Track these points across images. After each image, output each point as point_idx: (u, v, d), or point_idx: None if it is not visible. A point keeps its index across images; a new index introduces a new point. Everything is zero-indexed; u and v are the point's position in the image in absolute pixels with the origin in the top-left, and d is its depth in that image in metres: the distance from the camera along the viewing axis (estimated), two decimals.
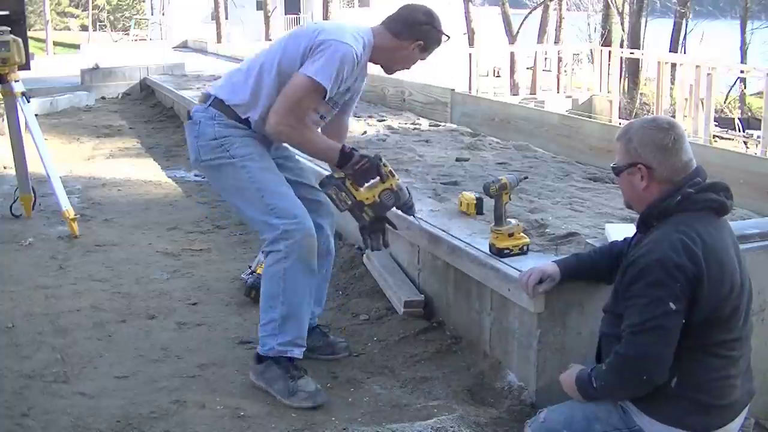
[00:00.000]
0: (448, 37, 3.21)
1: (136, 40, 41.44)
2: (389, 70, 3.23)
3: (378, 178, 3.01)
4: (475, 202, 3.68)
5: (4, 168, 6.52)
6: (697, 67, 12.36)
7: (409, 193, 3.11)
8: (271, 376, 2.96)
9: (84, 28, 49.04)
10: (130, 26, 48.36)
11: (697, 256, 2.16)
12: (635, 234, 2.42)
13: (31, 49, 5.88)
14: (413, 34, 3.09)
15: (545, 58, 19.28)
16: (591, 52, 17.76)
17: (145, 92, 11.53)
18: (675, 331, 2.16)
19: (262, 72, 2.99)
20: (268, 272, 2.99)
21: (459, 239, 3.33)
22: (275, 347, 2.95)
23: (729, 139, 13.95)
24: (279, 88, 2.94)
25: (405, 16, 3.11)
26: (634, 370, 2.20)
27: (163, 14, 42.45)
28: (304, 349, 3.02)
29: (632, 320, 2.19)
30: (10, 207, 5.35)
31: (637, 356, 2.18)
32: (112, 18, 52.24)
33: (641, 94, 21.79)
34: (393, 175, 3.03)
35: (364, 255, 4.07)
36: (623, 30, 25.52)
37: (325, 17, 28.02)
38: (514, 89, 18.82)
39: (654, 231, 2.28)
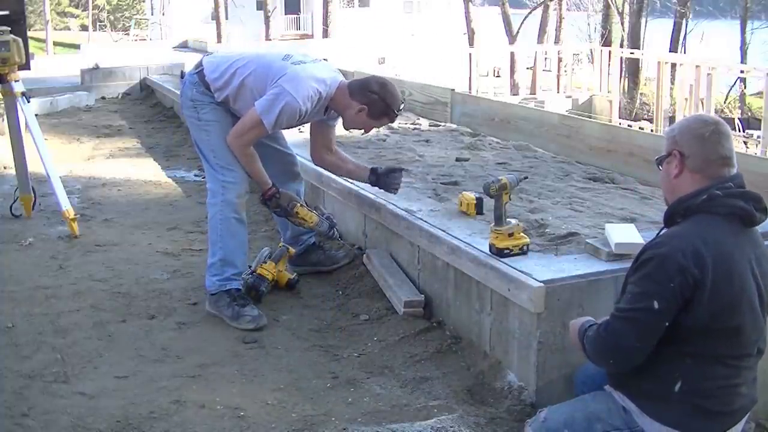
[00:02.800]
0: (397, 114, 3.73)
1: (136, 40, 41.45)
2: (344, 124, 3.80)
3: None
4: (475, 202, 3.68)
5: (4, 168, 6.51)
6: (697, 67, 12.36)
7: (330, 227, 3.85)
8: (221, 304, 3.65)
9: (84, 28, 49.05)
10: (130, 26, 48.38)
11: (705, 262, 2.11)
12: (662, 228, 2.37)
13: (31, 49, 5.87)
14: (362, 98, 3.62)
15: (545, 58, 19.30)
16: (591, 52, 17.78)
17: (145, 92, 11.51)
18: (652, 329, 2.15)
19: (234, 74, 3.67)
20: (210, 224, 3.75)
21: (459, 239, 3.33)
22: (217, 283, 3.67)
23: None
24: (238, 91, 3.65)
25: (363, 81, 3.70)
26: (603, 352, 2.26)
27: (163, 14, 42.47)
28: (240, 281, 3.73)
29: (620, 304, 2.23)
30: (10, 207, 5.34)
31: (609, 341, 2.22)
32: (112, 18, 52.26)
33: (641, 94, 21.84)
34: (308, 219, 3.78)
35: (365, 255, 4.07)
36: (623, 30, 25.55)
37: (325, 17, 28.07)
38: (514, 89, 18.83)
39: (674, 227, 2.26)
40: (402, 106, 3.76)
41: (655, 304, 2.12)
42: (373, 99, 3.62)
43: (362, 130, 3.87)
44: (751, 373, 2.28)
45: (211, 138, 3.72)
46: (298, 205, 3.77)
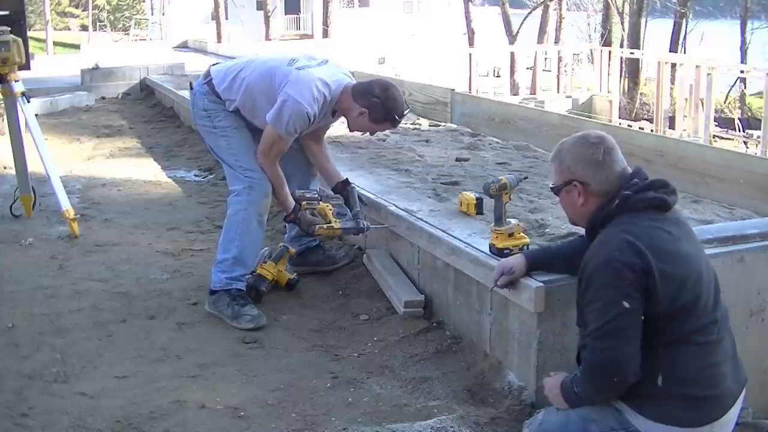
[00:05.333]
0: (399, 119, 3.70)
1: (136, 40, 41.43)
2: (348, 126, 3.78)
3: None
4: (475, 202, 3.68)
5: (4, 168, 6.51)
6: (697, 67, 12.37)
7: (357, 228, 3.79)
8: (221, 304, 3.63)
9: (84, 28, 49.02)
10: (130, 26, 48.36)
11: (641, 251, 2.18)
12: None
13: (31, 49, 5.87)
14: (363, 101, 3.61)
15: (545, 58, 19.28)
16: (591, 52, 17.78)
17: (145, 92, 11.52)
18: (635, 328, 2.18)
19: (241, 83, 3.70)
20: (230, 220, 3.71)
21: (459, 239, 3.33)
22: (224, 280, 3.65)
23: (729, 139, 13.97)
24: (247, 100, 3.69)
25: (366, 84, 3.68)
26: (603, 375, 2.23)
27: (163, 14, 42.45)
28: (245, 284, 3.71)
29: (592, 326, 2.23)
30: (10, 207, 5.34)
31: (603, 361, 2.21)
32: (112, 18, 52.23)
33: (641, 94, 21.84)
34: (332, 234, 3.81)
35: (365, 255, 4.07)
36: (623, 30, 25.56)
37: (325, 17, 28.09)
38: (514, 89, 18.83)
39: (598, 236, 2.32)
40: (407, 111, 3.74)
41: (626, 304, 2.16)
42: (375, 103, 3.61)
43: (366, 133, 3.87)
44: (726, 346, 2.30)
45: (231, 143, 3.74)
46: (317, 227, 3.76)
